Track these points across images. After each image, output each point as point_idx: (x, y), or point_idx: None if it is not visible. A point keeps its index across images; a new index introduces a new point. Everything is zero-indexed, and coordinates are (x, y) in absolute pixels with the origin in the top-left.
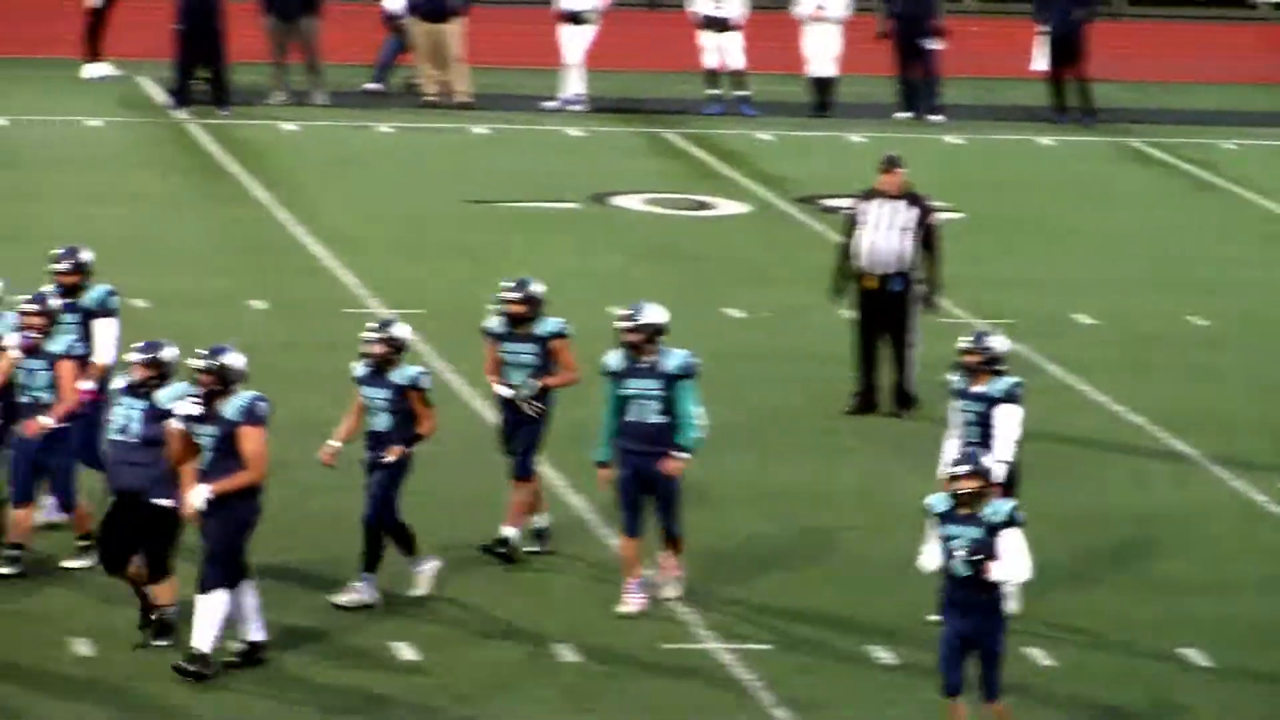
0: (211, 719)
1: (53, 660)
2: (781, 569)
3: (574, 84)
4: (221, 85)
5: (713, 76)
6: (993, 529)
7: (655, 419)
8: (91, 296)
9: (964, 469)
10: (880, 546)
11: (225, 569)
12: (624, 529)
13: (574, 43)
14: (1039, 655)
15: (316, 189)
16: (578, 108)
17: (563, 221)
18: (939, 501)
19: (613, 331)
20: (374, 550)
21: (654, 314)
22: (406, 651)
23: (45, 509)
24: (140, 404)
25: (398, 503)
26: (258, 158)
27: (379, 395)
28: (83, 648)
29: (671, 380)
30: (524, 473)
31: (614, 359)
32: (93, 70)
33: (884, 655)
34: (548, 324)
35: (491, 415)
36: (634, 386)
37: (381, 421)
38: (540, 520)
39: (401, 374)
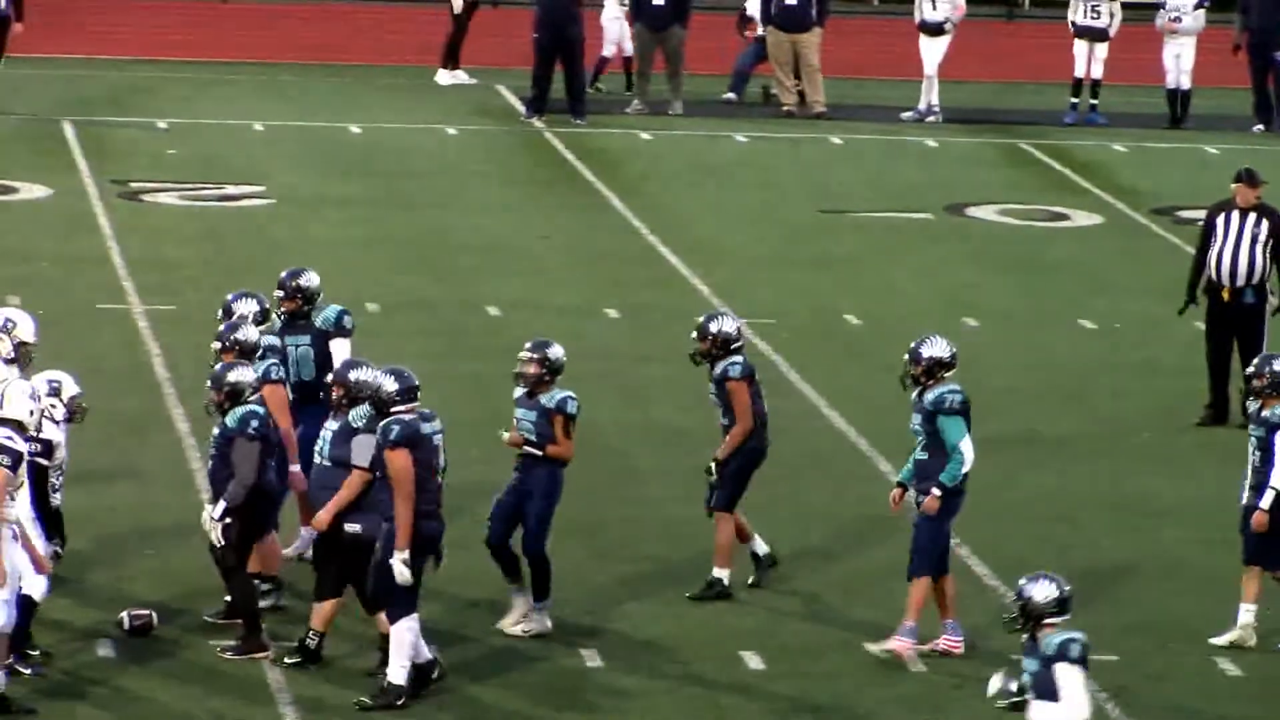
0: None
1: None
2: (1129, 580)
3: (930, 94)
4: (577, 94)
5: (1078, 86)
6: (1046, 661)
7: (920, 455)
8: (324, 316)
9: (1016, 591)
10: (1229, 559)
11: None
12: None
13: (932, 53)
14: None
15: (672, 198)
16: (933, 118)
17: (917, 232)
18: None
19: (966, 344)
20: (541, 575)
21: (934, 348)
22: (754, 661)
23: (299, 541)
24: (333, 425)
25: (548, 533)
26: (613, 167)
27: (528, 417)
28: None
29: (930, 415)
30: (723, 505)
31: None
32: (448, 77)
33: (1231, 668)
34: (718, 367)
35: (844, 425)
36: (913, 420)
37: (531, 445)
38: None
39: (550, 397)
